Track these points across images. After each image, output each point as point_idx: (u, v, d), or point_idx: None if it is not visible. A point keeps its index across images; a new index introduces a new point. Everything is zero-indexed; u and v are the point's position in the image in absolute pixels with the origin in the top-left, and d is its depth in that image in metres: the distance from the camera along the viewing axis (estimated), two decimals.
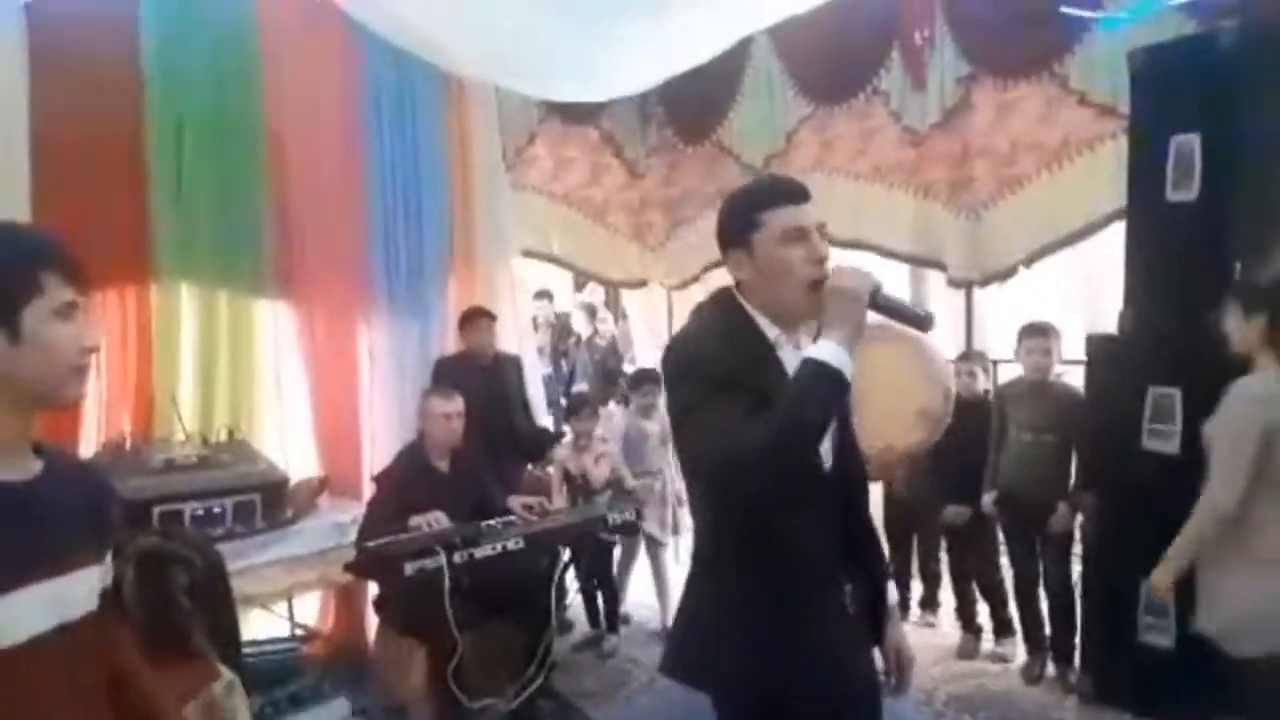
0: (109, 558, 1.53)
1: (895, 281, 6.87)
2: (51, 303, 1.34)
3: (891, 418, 1.87)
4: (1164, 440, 3.72)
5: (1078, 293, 5.76)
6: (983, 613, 4.63)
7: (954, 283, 5.17)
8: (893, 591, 2.04)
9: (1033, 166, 4.73)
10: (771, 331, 1.83)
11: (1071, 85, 4.53)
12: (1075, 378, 4.44)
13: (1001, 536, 4.50)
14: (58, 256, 1.37)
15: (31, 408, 1.39)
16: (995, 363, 5.74)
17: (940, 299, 6.57)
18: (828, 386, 1.65)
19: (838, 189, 5.51)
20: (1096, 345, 4.10)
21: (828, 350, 1.66)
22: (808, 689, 1.79)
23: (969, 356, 4.83)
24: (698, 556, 1.97)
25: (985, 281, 5.04)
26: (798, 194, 1.81)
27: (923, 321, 1.75)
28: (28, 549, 1.34)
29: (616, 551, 4.99)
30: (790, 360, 1.80)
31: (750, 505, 1.73)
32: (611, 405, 6.25)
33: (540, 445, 5.07)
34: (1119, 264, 4.00)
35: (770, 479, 1.64)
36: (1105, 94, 4.37)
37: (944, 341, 6.32)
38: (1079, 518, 4.13)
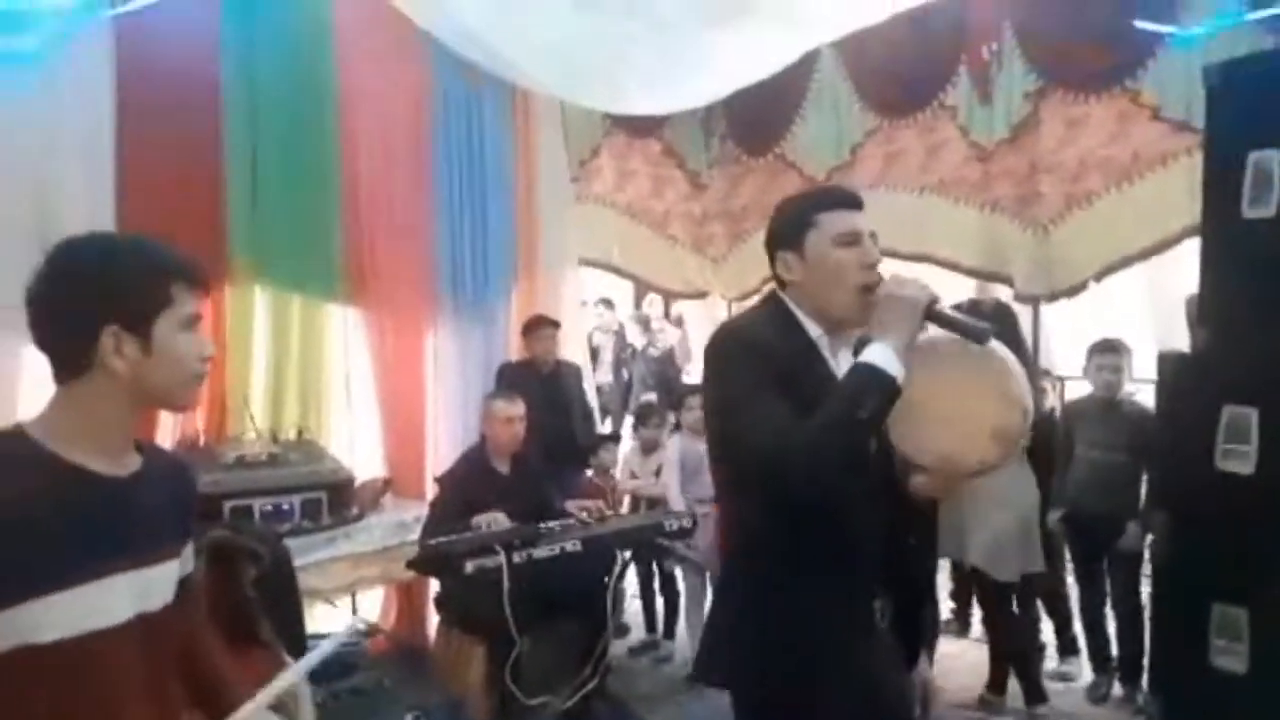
0: (189, 549, 1.60)
1: (961, 296, 6.82)
2: (180, 313, 1.40)
3: (961, 434, 1.83)
4: (1239, 461, 3.62)
5: (1148, 310, 5.64)
6: (1047, 631, 4.55)
7: (1021, 298, 5.09)
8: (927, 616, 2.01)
9: (1102, 183, 4.66)
10: (814, 330, 1.84)
11: (1143, 100, 4.46)
12: (1146, 396, 4.37)
13: (1068, 555, 4.42)
14: (186, 269, 1.43)
15: (148, 409, 1.47)
16: (1062, 380, 5.65)
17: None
18: (879, 390, 1.64)
19: (901, 203, 5.48)
20: (1169, 363, 4.01)
21: (881, 354, 1.65)
22: (833, 697, 1.75)
23: (1036, 373, 4.76)
24: (730, 558, 1.97)
25: (1053, 297, 4.96)
26: (852, 200, 1.84)
27: (981, 335, 1.72)
28: (121, 540, 1.40)
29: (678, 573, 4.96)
30: (831, 359, 1.82)
31: (793, 503, 1.71)
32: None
33: (593, 447, 5.08)
34: (1192, 281, 3.92)
35: (817, 479, 1.63)
36: (1179, 109, 4.30)
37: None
38: (1149, 538, 4.04)
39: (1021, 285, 4.98)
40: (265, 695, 1.54)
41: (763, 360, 1.72)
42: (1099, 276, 4.69)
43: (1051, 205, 4.84)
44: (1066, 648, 4.46)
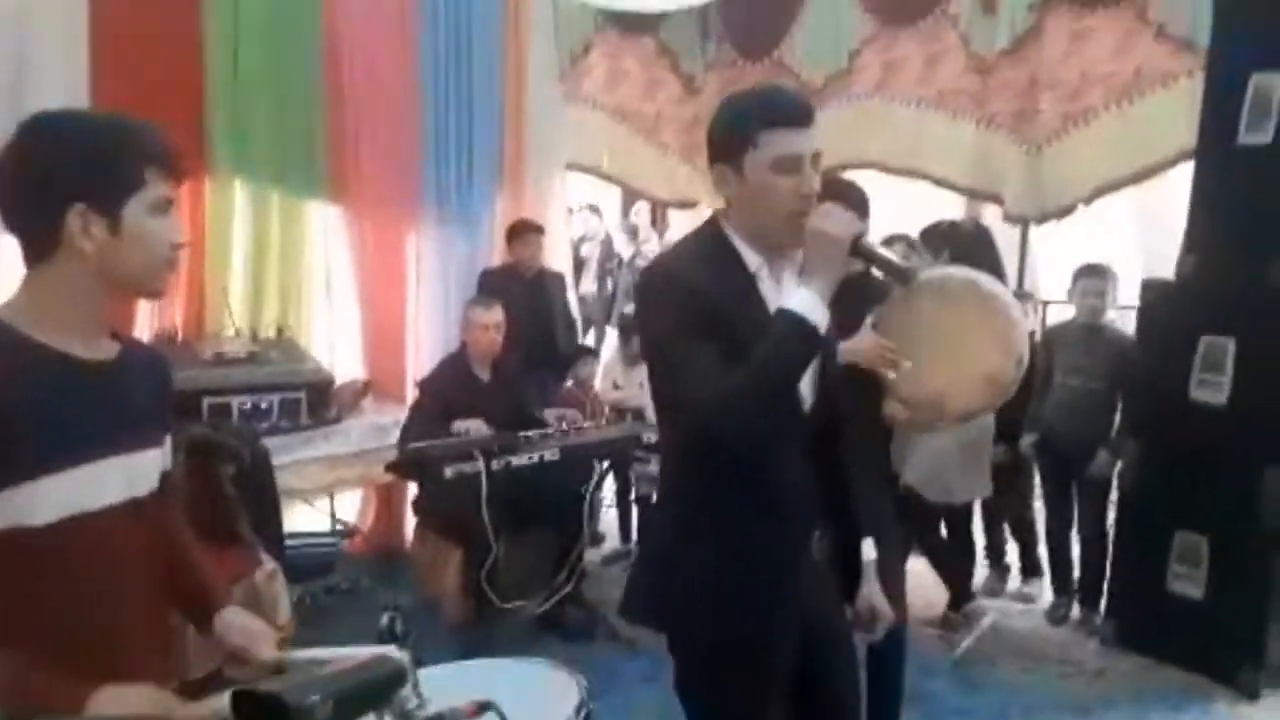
0: (168, 442, 1.59)
1: (951, 214, 6.76)
2: (151, 196, 1.37)
3: (954, 374, 1.83)
4: (1212, 391, 3.66)
5: (1136, 237, 5.62)
6: (1011, 552, 4.64)
7: (1010, 218, 5.06)
8: (868, 548, 1.95)
9: (1102, 100, 4.58)
10: (754, 261, 1.75)
11: (1150, 16, 4.35)
12: (1128, 323, 4.37)
13: (1038, 478, 4.48)
14: (160, 151, 1.39)
15: (119, 297, 1.44)
16: (1045, 304, 5.65)
17: (995, 235, 6.45)
18: (802, 340, 1.62)
19: (898, 115, 5.39)
20: (1152, 290, 4.02)
21: (803, 301, 1.62)
22: (767, 634, 1.75)
23: (1019, 297, 4.73)
24: (662, 495, 1.93)
25: (1042, 219, 4.92)
26: (799, 116, 1.69)
27: (905, 275, 1.68)
28: (107, 425, 1.40)
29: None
30: (770, 295, 1.74)
31: (723, 448, 1.69)
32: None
33: (572, 359, 5.07)
34: (1181, 207, 3.89)
35: (745, 426, 1.62)
36: (1185, 27, 4.20)
37: None
38: (1118, 464, 4.09)
39: (1011, 205, 4.94)
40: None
41: (693, 303, 1.65)
42: (1090, 199, 4.65)
43: (1048, 123, 4.77)
44: (1030, 570, 4.55)
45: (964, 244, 3.81)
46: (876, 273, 1.74)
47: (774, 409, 1.66)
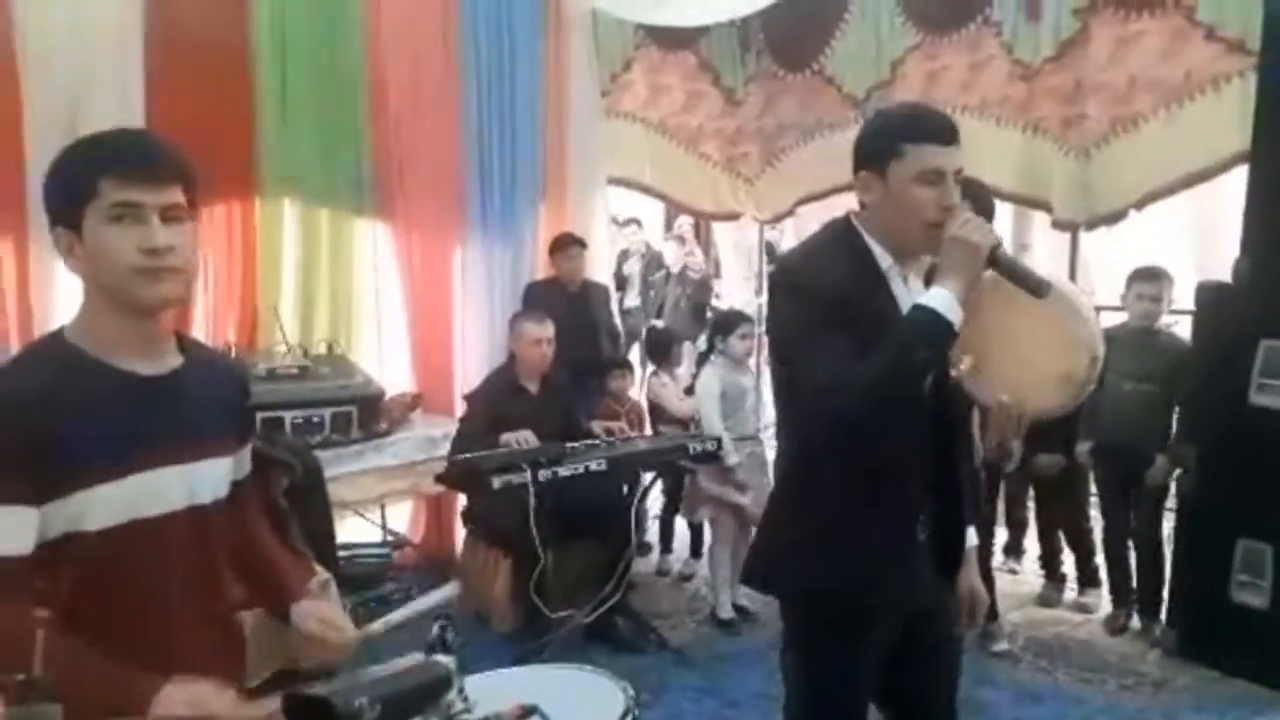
0: (246, 452, 1.64)
1: (998, 222, 6.66)
2: (104, 204, 1.36)
3: (1029, 376, 1.82)
4: (1273, 395, 3.58)
5: (1189, 240, 5.50)
6: (1068, 562, 4.56)
7: (1059, 225, 4.98)
8: (971, 535, 2.03)
9: (1151, 104, 4.50)
10: (885, 261, 1.84)
11: (1199, 18, 4.27)
12: (1184, 328, 4.29)
13: (1093, 486, 4.40)
14: (119, 159, 1.38)
15: (132, 310, 1.42)
16: (1099, 310, 5.55)
17: (1045, 241, 6.37)
18: (937, 335, 1.70)
19: None
20: (1208, 294, 3.93)
21: (940, 299, 1.69)
22: (878, 604, 1.86)
23: None
24: (782, 473, 2.04)
25: (1092, 225, 4.84)
26: (946, 134, 1.78)
27: (1039, 288, 1.72)
28: (162, 435, 1.44)
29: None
30: (900, 293, 1.82)
31: (845, 434, 1.77)
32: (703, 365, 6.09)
33: (604, 374, 4.97)
34: (1236, 210, 3.81)
35: (871, 416, 1.71)
36: (1235, 28, 4.11)
37: None
38: (1176, 471, 4.01)
39: (1059, 211, 4.86)
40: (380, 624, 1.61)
41: (825, 299, 1.74)
42: (1140, 204, 4.55)
43: (1096, 128, 4.69)
44: (1088, 580, 4.46)
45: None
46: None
47: (902, 399, 1.76)
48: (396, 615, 1.62)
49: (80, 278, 1.42)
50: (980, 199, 2.32)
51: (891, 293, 1.83)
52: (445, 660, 1.32)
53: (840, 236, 1.88)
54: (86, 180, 1.37)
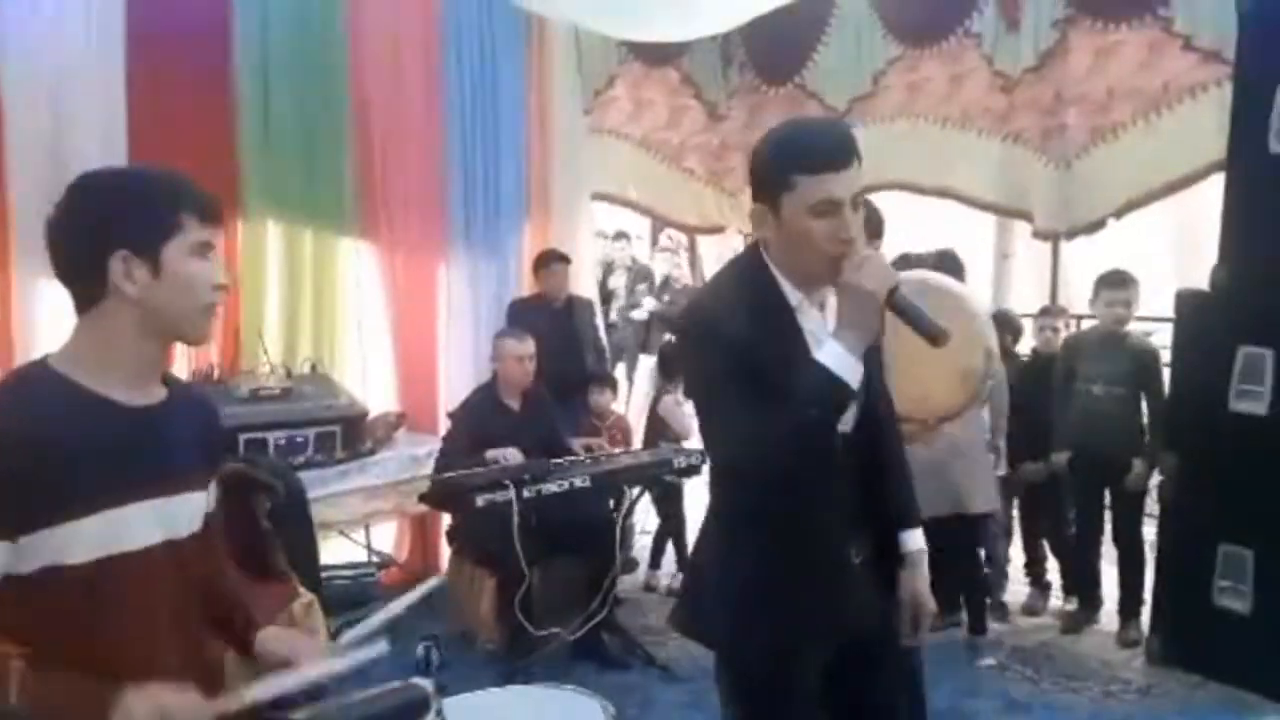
0: (213, 485, 1.64)
1: (981, 232, 6.72)
2: (189, 240, 1.42)
3: (934, 379, 1.85)
4: (1253, 401, 3.60)
5: (1171, 247, 5.55)
6: (1052, 570, 4.57)
7: (1040, 234, 5.03)
8: (914, 538, 1.95)
9: (1130, 114, 4.55)
10: (794, 297, 1.76)
11: (1176, 29, 4.32)
12: (1163, 335, 4.32)
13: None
14: (196, 197, 1.45)
15: (165, 340, 1.49)
16: (1079, 318, 5.59)
17: (1026, 251, 6.42)
18: (829, 396, 1.64)
19: (924, 134, 5.39)
20: (1187, 301, 3.96)
21: (835, 357, 1.63)
22: (806, 640, 1.79)
23: (1052, 311, 4.72)
24: (710, 514, 1.95)
25: (1072, 234, 4.88)
26: (840, 159, 1.65)
27: (936, 337, 1.65)
28: (145, 469, 1.44)
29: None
30: (813, 325, 1.75)
31: (765, 483, 1.73)
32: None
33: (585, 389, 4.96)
34: (1214, 218, 3.85)
35: (776, 468, 1.67)
36: (1211, 38, 4.17)
37: (1028, 295, 6.19)
38: (1155, 477, 4.03)
39: (1041, 221, 4.91)
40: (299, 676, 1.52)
41: (732, 348, 1.68)
42: (1120, 213, 4.61)
43: (1076, 138, 4.74)
44: (1072, 588, 4.47)
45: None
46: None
47: (808, 453, 1.69)
48: (377, 619, 1.60)
49: (117, 304, 1.41)
50: (870, 219, 2.23)
51: (799, 329, 1.75)
52: (423, 683, 1.32)
53: (745, 272, 1.80)
54: (170, 213, 1.41)
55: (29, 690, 1.27)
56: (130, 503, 1.41)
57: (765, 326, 1.71)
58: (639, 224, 7.64)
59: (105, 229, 1.40)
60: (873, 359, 1.79)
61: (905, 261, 4.02)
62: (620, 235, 7.38)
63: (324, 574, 3.89)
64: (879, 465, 1.89)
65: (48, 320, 3.58)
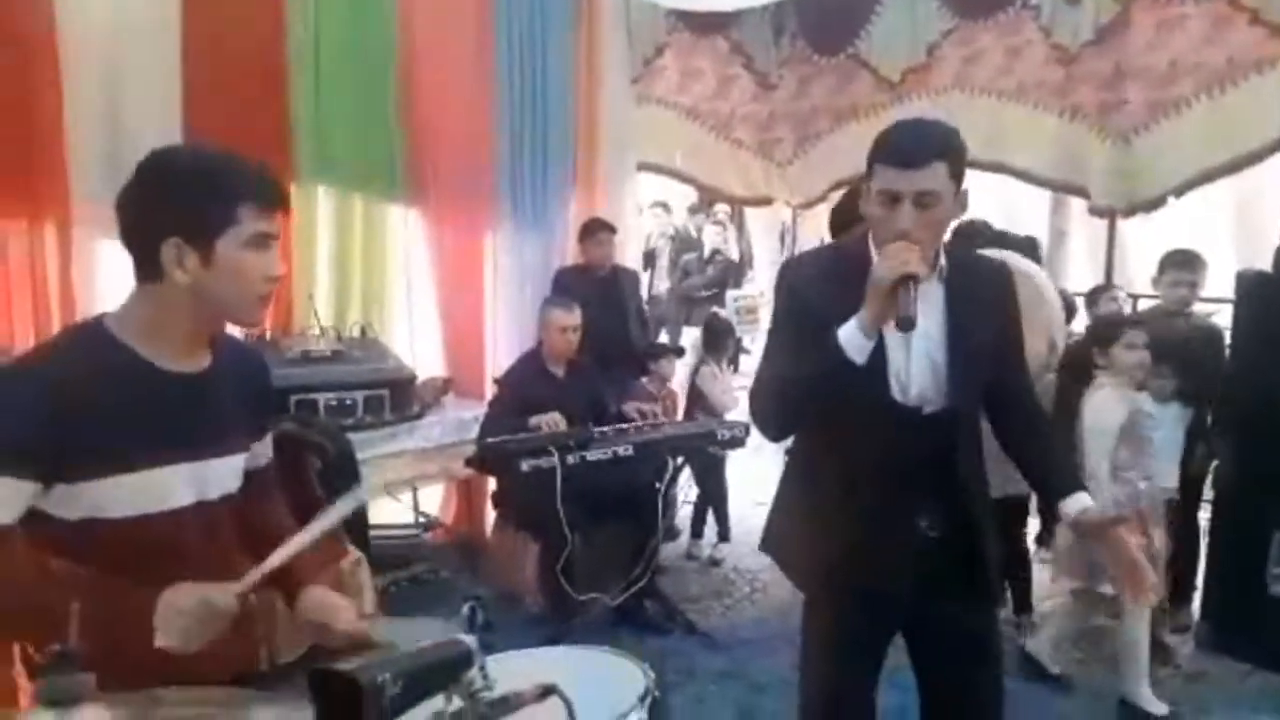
0: (265, 443, 1.68)
1: (1035, 208, 6.59)
2: (245, 233, 1.45)
3: None
4: None
5: (1230, 227, 5.40)
6: None
7: (1096, 211, 4.92)
8: (1082, 499, 1.94)
9: (1192, 89, 4.43)
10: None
11: (1243, 2, 4.18)
12: (1223, 316, 4.23)
13: None
14: (257, 189, 1.47)
15: (216, 322, 1.52)
16: (1135, 297, 5.49)
17: (1081, 229, 6.29)
18: (837, 370, 1.79)
19: (978, 108, 5.28)
20: (1248, 283, 3.87)
21: (848, 332, 1.78)
22: (855, 580, 1.94)
23: (1108, 289, 4.63)
24: (792, 448, 2.25)
25: (1130, 212, 4.77)
26: (903, 158, 1.78)
27: (904, 324, 1.75)
28: (186, 434, 1.49)
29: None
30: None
31: (773, 429, 2.02)
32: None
33: (652, 358, 5.06)
34: (1276, 197, 3.74)
35: (764, 415, 1.96)
36: (1278, 12, 4.03)
37: (1083, 273, 6.08)
38: (1213, 463, 3.95)
39: (1097, 197, 4.80)
40: (306, 535, 1.55)
41: (798, 300, 1.91)
42: (1180, 191, 4.49)
43: (1136, 113, 4.62)
44: None
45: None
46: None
47: (800, 414, 1.93)
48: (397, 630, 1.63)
49: (169, 287, 1.44)
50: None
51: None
52: (467, 639, 1.34)
53: (848, 246, 1.97)
54: (227, 206, 1.43)
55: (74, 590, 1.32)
56: (168, 464, 1.46)
57: (839, 298, 1.82)
58: (680, 196, 7.59)
59: (163, 215, 1.43)
60: (974, 340, 1.89)
61: (1003, 239, 3.98)
62: (658, 205, 7.34)
63: (372, 534, 3.96)
64: (959, 444, 1.94)
65: (106, 279, 3.65)
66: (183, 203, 1.43)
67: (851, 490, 1.93)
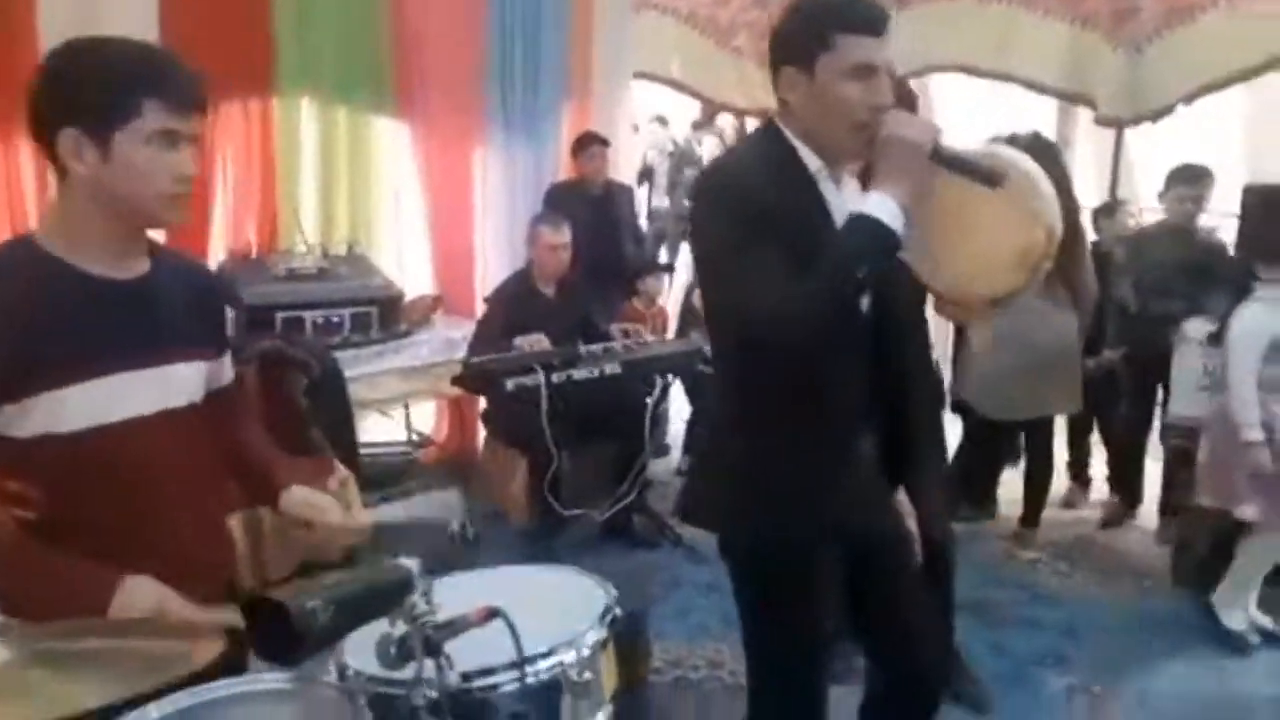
0: (225, 362, 1.65)
1: (1041, 118, 6.40)
2: (147, 127, 1.37)
3: (985, 260, 1.74)
4: None
5: (1237, 139, 5.25)
6: (1094, 465, 4.54)
7: (1102, 121, 4.79)
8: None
9: None
10: (813, 164, 1.71)
11: None
12: (1229, 230, 4.14)
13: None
14: (166, 83, 1.38)
15: (126, 222, 1.44)
16: (1142, 210, 5.37)
17: (1088, 139, 6.12)
18: (880, 247, 1.57)
19: (986, 14, 5.08)
20: (1255, 197, 3.77)
21: (883, 206, 1.56)
22: (813, 530, 1.75)
23: (1113, 204, 4.53)
24: (721, 407, 1.91)
25: (1136, 121, 4.64)
26: (878, 24, 1.64)
27: (993, 177, 1.59)
28: (131, 338, 1.45)
29: None
30: (831, 197, 1.71)
31: (784, 357, 1.67)
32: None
33: (639, 275, 4.94)
34: None
35: (810, 331, 1.60)
36: None
37: (1089, 187, 5.94)
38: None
39: (1104, 107, 4.66)
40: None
41: (752, 206, 1.61)
42: (1189, 99, 4.35)
43: (1149, 21, 4.46)
44: (1115, 483, 4.42)
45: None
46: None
47: (843, 315, 1.64)
48: (398, 511, 1.63)
49: (74, 181, 1.39)
50: (903, 97, 2.14)
51: (822, 197, 1.70)
52: (408, 562, 1.33)
53: (765, 141, 1.75)
54: (129, 97, 1.36)
55: (15, 565, 1.32)
56: (115, 373, 1.42)
57: (786, 189, 1.67)
58: (679, 109, 7.39)
59: (59, 104, 1.37)
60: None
61: (1014, 141, 3.86)
62: (658, 119, 7.17)
63: (362, 452, 3.98)
64: (895, 362, 1.83)
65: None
66: (81, 92, 1.36)
67: (819, 419, 1.75)
